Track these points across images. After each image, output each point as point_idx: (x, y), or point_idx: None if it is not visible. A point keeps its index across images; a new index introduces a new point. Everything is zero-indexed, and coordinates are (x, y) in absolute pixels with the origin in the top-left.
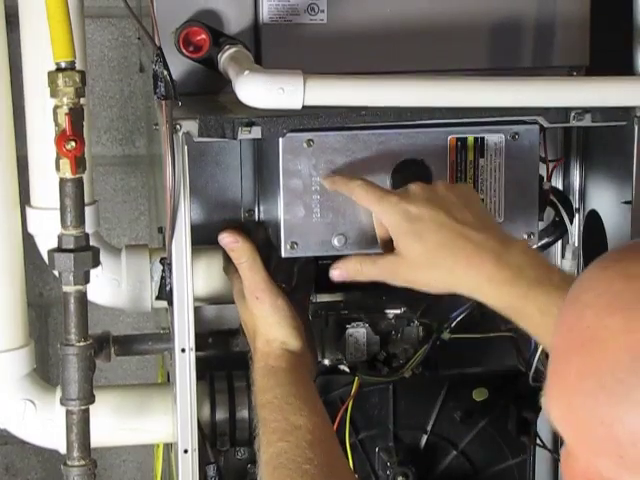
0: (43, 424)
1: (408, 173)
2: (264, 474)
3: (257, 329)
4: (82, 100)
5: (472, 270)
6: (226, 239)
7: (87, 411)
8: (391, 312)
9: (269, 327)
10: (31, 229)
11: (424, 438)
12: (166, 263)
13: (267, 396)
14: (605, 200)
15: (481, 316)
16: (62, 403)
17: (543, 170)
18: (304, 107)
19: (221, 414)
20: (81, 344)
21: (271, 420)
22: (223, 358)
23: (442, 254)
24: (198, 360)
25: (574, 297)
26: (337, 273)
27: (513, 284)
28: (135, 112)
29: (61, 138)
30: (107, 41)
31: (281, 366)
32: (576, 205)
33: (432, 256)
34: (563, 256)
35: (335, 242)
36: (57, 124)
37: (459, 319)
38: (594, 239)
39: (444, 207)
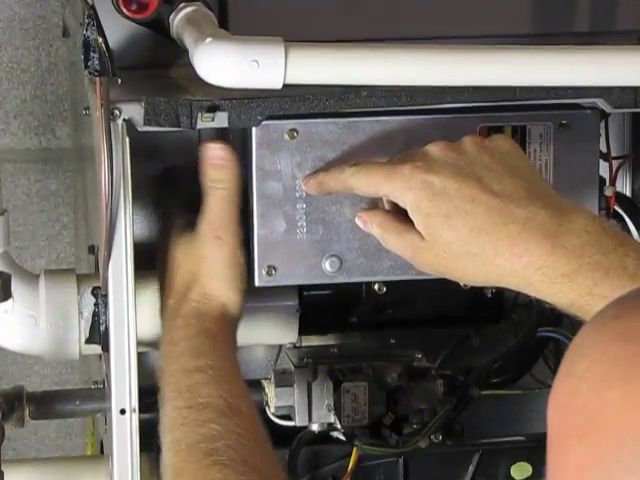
0: None
1: None
2: (187, 458)
3: (198, 277)
4: None
5: (518, 259)
6: (215, 151)
7: None
8: (402, 360)
9: (216, 280)
10: None
11: None
12: (100, 294)
13: (199, 362)
14: None
15: (523, 365)
16: None
17: (605, 170)
18: (285, 86)
19: None
20: None
21: (204, 394)
22: None
23: (478, 240)
24: (142, 424)
25: (567, 367)
26: (361, 222)
27: (572, 277)
28: (56, 91)
29: None
30: None
31: (220, 331)
32: None
33: (466, 244)
34: None
35: (327, 266)
36: None
37: (492, 369)
38: None
39: (475, 174)
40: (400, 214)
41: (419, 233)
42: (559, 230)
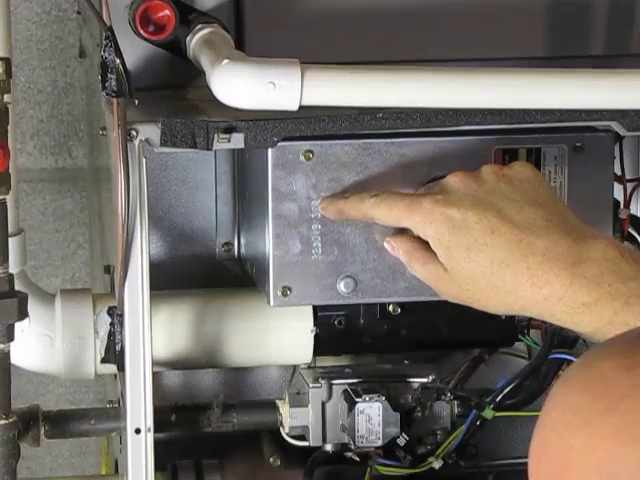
0: None
1: None
2: None
3: None
4: (7, 97)
5: (539, 291)
6: None
7: None
8: (416, 381)
9: None
10: None
11: None
12: (116, 314)
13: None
14: None
15: (537, 387)
16: None
17: (619, 193)
18: (301, 108)
19: None
20: (2, 422)
21: None
22: (190, 442)
23: (499, 273)
24: (157, 444)
25: (540, 419)
26: (389, 247)
27: (593, 306)
28: (72, 111)
29: None
30: (36, 15)
31: None
32: None
33: (487, 276)
34: None
35: (342, 287)
36: None
37: (507, 391)
38: None
39: (495, 205)
40: (426, 242)
41: (443, 264)
42: (579, 259)
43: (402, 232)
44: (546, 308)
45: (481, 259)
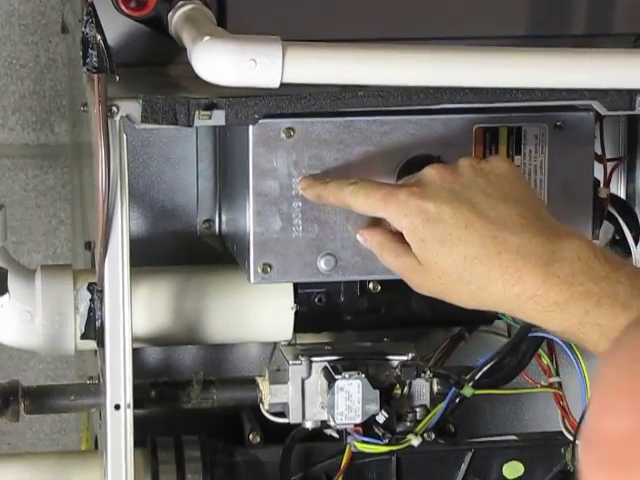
0: None
1: None
2: None
3: None
4: None
5: (511, 288)
6: None
7: None
8: (395, 359)
9: None
10: None
11: None
12: (96, 290)
13: None
14: None
15: (516, 365)
16: None
17: (599, 172)
18: (283, 85)
19: None
20: None
21: None
22: (170, 418)
23: (472, 269)
24: (137, 420)
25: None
26: (361, 239)
27: (564, 306)
28: (55, 86)
29: None
30: None
31: None
32: None
33: (459, 271)
34: None
35: (322, 264)
36: None
37: (486, 369)
38: None
39: (471, 200)
40: (400, 234)
41: (416, 257)
42: (552, 258)
43: (375, 224)
44: (517, 305)
45: (455, 253)
